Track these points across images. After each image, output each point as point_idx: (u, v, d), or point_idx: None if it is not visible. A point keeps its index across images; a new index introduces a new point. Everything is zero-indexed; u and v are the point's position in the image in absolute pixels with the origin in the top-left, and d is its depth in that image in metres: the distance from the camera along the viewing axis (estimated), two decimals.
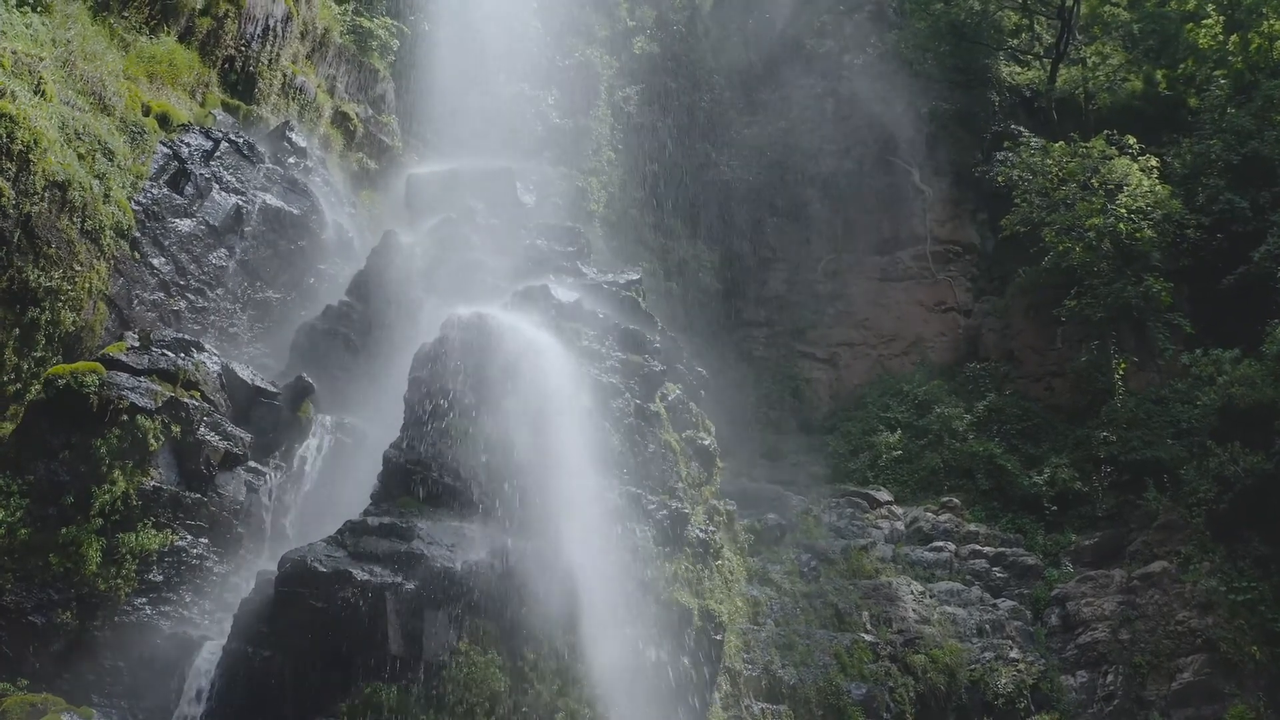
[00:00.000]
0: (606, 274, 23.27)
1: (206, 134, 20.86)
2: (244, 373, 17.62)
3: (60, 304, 16.33)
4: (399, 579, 13.75)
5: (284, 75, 24.45)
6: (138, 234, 18.30)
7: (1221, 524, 24.11)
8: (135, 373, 15.81)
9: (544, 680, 14.46)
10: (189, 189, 19.75)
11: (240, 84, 23.30)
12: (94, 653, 14.00)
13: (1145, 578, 24.15)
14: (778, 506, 27.19)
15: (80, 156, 17.28)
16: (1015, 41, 45.00)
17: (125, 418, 15.16)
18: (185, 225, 19.42)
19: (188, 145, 20.20)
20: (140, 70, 20.35)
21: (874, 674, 21.60)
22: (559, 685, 14.61)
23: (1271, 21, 37.10)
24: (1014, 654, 23.08)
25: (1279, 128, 33.73)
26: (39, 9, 18.19)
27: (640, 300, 22.81)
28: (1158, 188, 32.57)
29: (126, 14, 20.69)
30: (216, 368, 17.15)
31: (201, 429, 15.94)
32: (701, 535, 20.00)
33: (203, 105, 21.91)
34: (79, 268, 16.71)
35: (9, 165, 15.68)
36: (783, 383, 37.07)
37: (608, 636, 15.76)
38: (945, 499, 29.35)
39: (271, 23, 23.86)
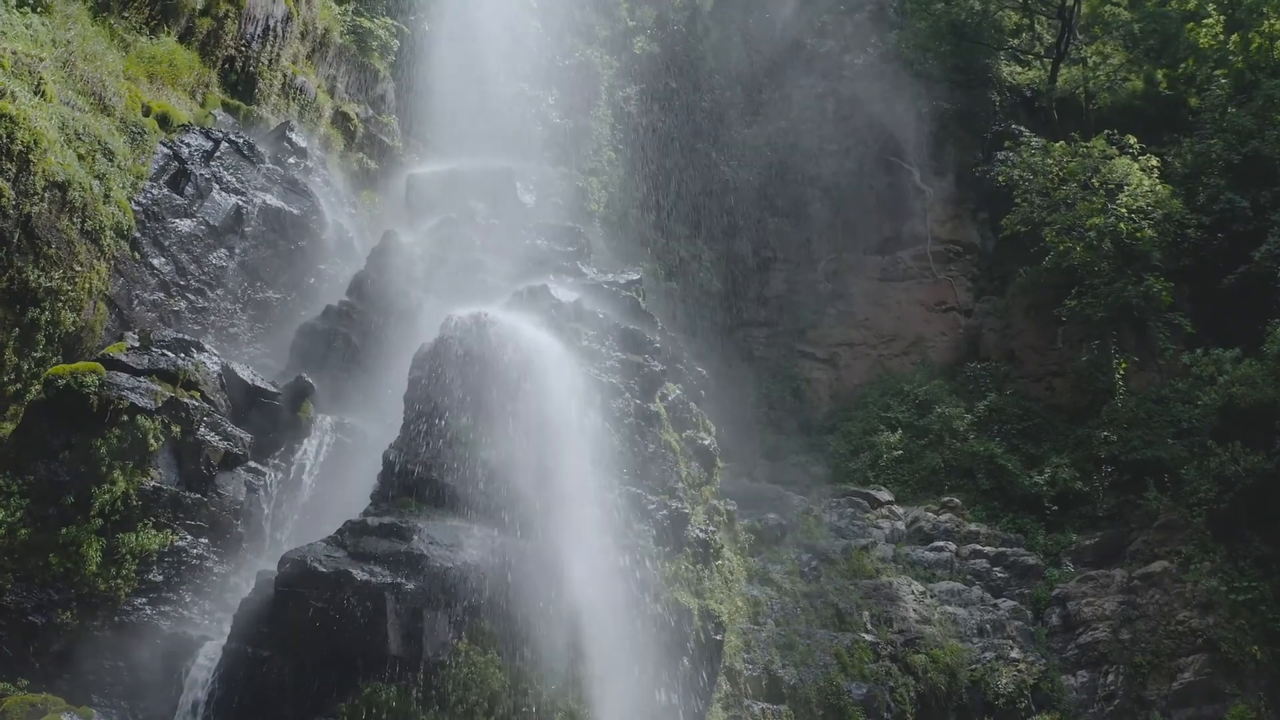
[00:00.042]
0: (606, 274, 23.28)
1: (207, 134, 20.87)
2: (244, 373, 17.63)
3: (60, 304, 16.34)
4: (399, 579, 13.74)
5: (284, 75, 24.46)
6: (138, 234, 18.30)
7: (1222, 524, 24.10)
8: (135, 373, 15.82)
9: (544, 680, 14.45)
10: (189, 189, 19.75)
11: (240, 84, 23.31)
12: (94, 653, 13.99)
13: (1146, 577, 24.14)
14: (778, 506, 27.18)
15: (80, 157, 17.29)
16: (1016, 41, 44.99)
17: (125, 418, 15.16)
18: (185, 225, 19.42)
19: (188, 145, 20.21)
20: (140, 70, 20.36)
21: (874, 674, 21.59)
22: (559, 685, 14.62)
23: (1272, 21, 37.06)
24: (1015, 654, 23.08)
25: (1279, 127, 33.70)
26: (39, 9, 18.20)
27: (640, 300, 22.81)
28: (1158, 187, 32.55)
29: (127, 14, 20.70)
30: (216, 368, 17.16)
31: (201, 429, 15.95)
32: (701, 535, 20.00)
33: (203, 105, 21.92)
34: (79, 268, 16.71)
35: (9, 166, 15.69)
36: (783, 382, 37.06)
37: (609, 635, 15.77)
38: (946, 499, 29.34)
39: (272, 23, 23.87)
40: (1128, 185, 32.55)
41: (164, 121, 19.99)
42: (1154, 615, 23.23)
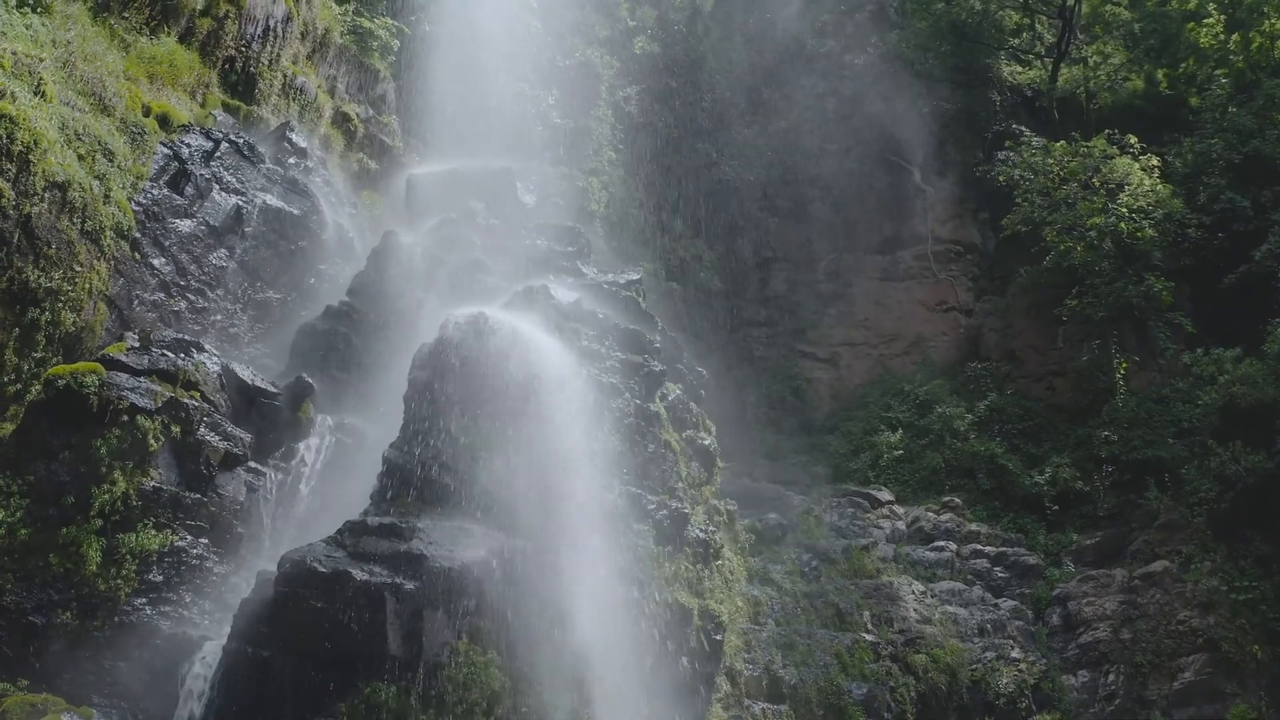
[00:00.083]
0: (607, 274, 23.28)
1: (207, 134, 20.87)
2: (244, 373, 17.64)
3: (60, 304, 16.34)
4: (399, 579, 13.74)
5: (284, 76, 24.46)
6: (138, 234, 18.29)
7: (1223, 523, 24.08)
8: (135, 373, 15.83)
9: (543, 680, 14.46)
10: (189, 189, 19.75)
11: (240, 84, 23.31)
12: (94, 653, 14.01)
13: (1146, 577, 24.12)
14: (779, 506, 27.19)
15: (80, 157, 17.29)
16: (1016, 41, 44.99)
17: (125, 418, 15.18)
18: (185, 226, 19.42)
19: (188, 146, 20.20)
20: (140, 71, 20.36)
21: (875, 674, 21.59)
22: (559, 685, 14.62)
23: (1272, 21, 37.05)
24: (1015, 654, 23.07)
25: (1279, 126, 33.68)
26: (39, 10, 18.20)
27: (640, 300, 22.80)
28: (1159, 187, 32.54)
29: (127, 15, 20.70)
30: (216, 368, 17.16)
31: (201, 429, 15.96)
32: (701, 535, 20.00)
33: (203, 106, 21.92)
34: (79, 268, 16.72)
35: (9, 166, 15.69)
36: (784, 382, 37.07)
37: (608, 636, 15.76)
38: (947, 499, 29.33)
39: (272, 23, 23.87)
40: (1128, 185, 32.54)
41: (164, 122, 19.99)
42: (1155, 615, 23.21)
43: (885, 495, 29.24)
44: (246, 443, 16.64)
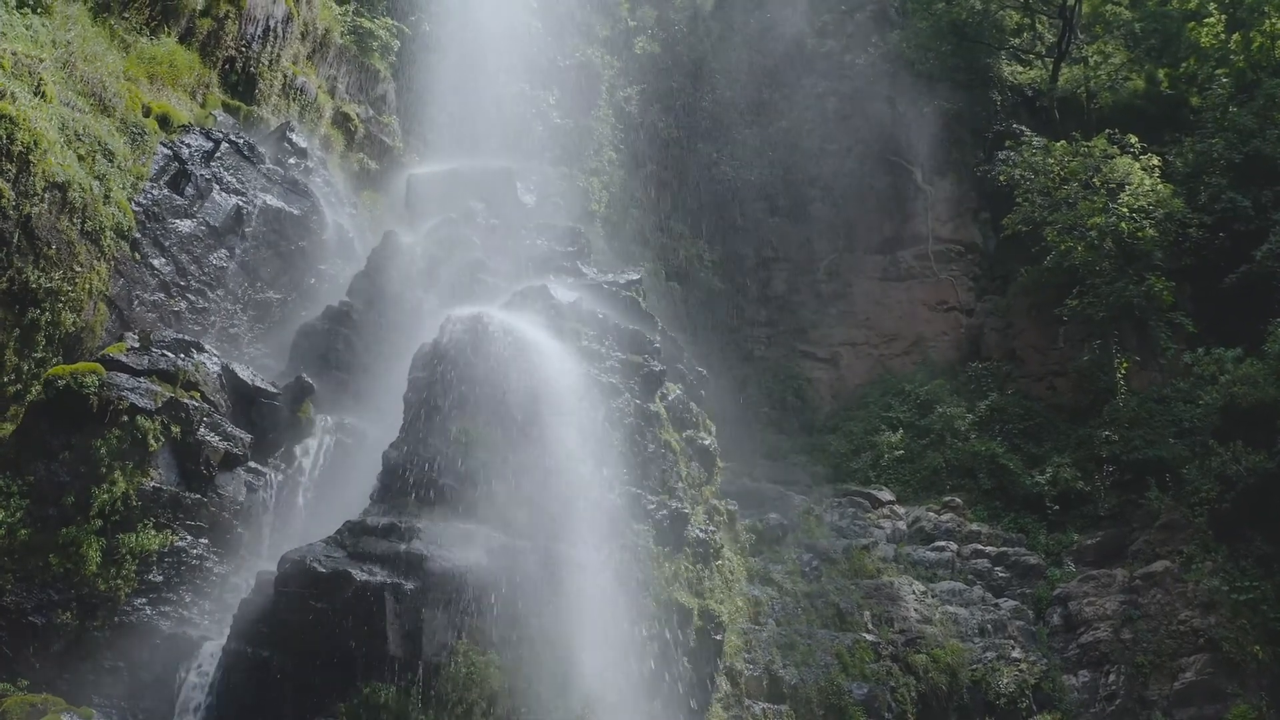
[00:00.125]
0: (607, 274, 23.28)
1: (207, 135, 20.87)
2: (244, 373, 17.64)
3: (60, 305, 16.34)
4: (398, 579, 13.75)
5: (284, 76, 24.47)
6: (138, 235, 18.30)
7: (1224, 523, 24.06)
8: (135, 373, 15.83)
9: (543, 680, 14.46)
10: (189, 190, 19.75)
11: (241, 85, 23.32)
12: (94, 653, 14.03)
13: (1147, 577, 24.10)
14: (779, 506, 27.17)
15: (80, 158, 17.29)
16: (1017, 41, 44.97)
17: (125, 418, 15.18)
18: (186, 226, 19.42)
19: (188, 146, 20.20)
20: (141, 71, 20.37)
21: (876, 674, 21.57)
22: (558, 685, 14.62)
23: (1273, 20, 37.04)
24: (1016, 654, 23.05)
25: None
26: (39, 10, 18.20)
27: (641, 300, 22.80)
28: (1160, 187, 32.52)
29: (127, 15, 20.71)
30: (216, 368, 17.17)
31: (201, 429, 15.96)
32: (701, 535, 19.99)
33: (203, 106, 21.93)
34: (79, 269, 16.72)
35: (9, 166, 15.69)
36: (784, 382, 37.05)
37: (608, 636, 15.76)
38: (947, 498, 29.32)
39: (272, 23, 23.88)
40: (1129, 185, 32.52)
41: (164, 122, 19.99)
42: (1155, 615, 23.19)
43: (886, 495, 29.23)
44: (246, 443, 16.64)
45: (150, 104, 19.93)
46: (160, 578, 14.83)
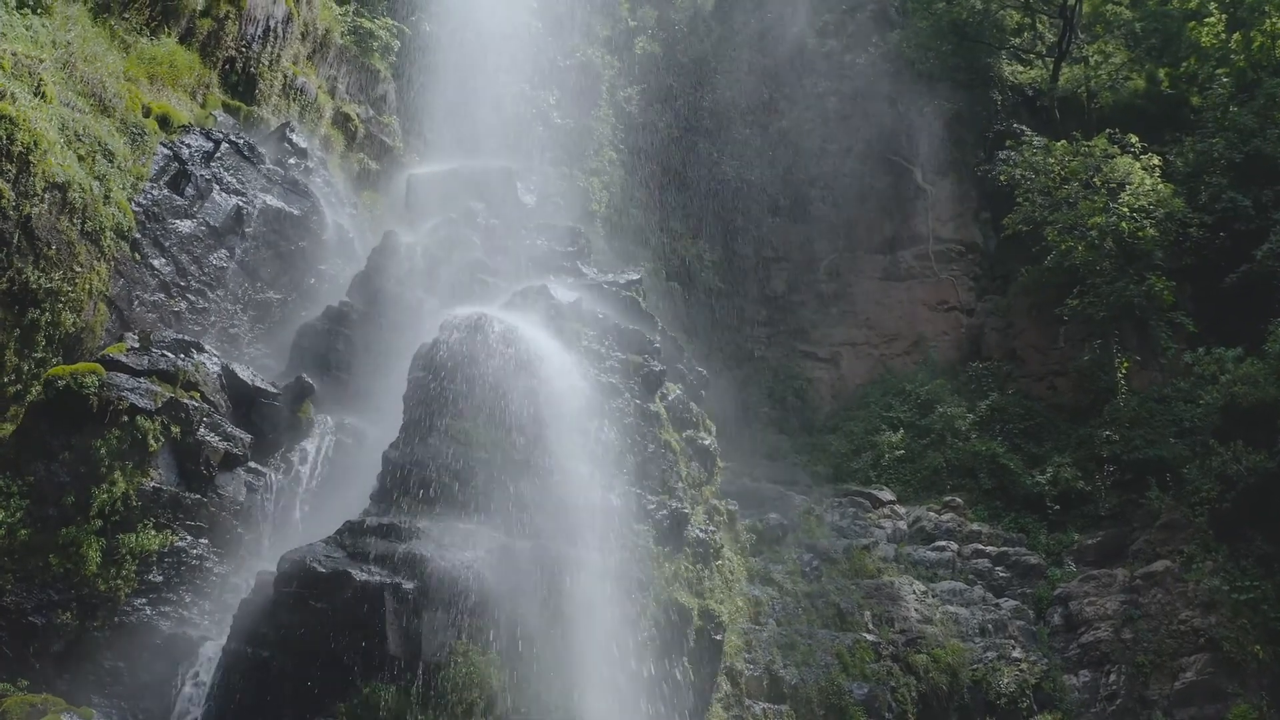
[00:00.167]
0: (607, 274, 23.28)
1: (207, 135, 20.87)
2: (244, 373, 17.64)
3: (60, 305, 16.36)
4: (398, 579, 13.75)
5: (285, 76, 24.47)
6: (138, 235, 18.31)
7: (1224, 523, 24.05)
8: (135, 374, 15.83)
9: (543, 680, 14.45)
10: (189, 190, 19.75)
11: (241, 85, 23.32)
12: (94, 653, 14.03)
13: (1148, 577, 24.09)
14: (780, 506, 27.16)
15: (80, 158, 17.30)
16: (1017, 40, 44.95)
17: (125, 418, 15.18)
18: (186, 226, 19.43)
19: (188, 146, 20.21)
20: (141, 72, 20.38)
21: (876, 674, 21.57)
22: (558, 685, 14.61)
23: (1273, 20, 36.99)
24: (1016, 653, 23.05)
25: None
26: (39, 11, 18.21)
27: (641, 300, 22.81)
28: (1160, 186, 32.50)
29: (127, 16, 20.72)
30: (216, 368, 17.17)
31: (201, 430, 15.96)
32: (701, 535, 19.99)
33: (203, 106, 21.93)
34: (79, 269, 16.73)
35: (9, 167, 15.70)
36: (785, 382, 37.04)
37: (607, 636, 15.75)
38: (948, 498, 29.31)
39: (272, 24, 23.88)
40: (1129, 184, 32.51)
41: (164, 122, 20.00)
42: (1156, 615, 23.19)
43: (886, 495, 29.22)
44: (246, 443, 16.65)
45: (150, 104, 19.93)
46: (160, 578, 14.84)
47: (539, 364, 17.40)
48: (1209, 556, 23.78)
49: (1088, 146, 33.96)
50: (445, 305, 19.27)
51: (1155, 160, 33.55)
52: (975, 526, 27.93)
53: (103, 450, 14.83)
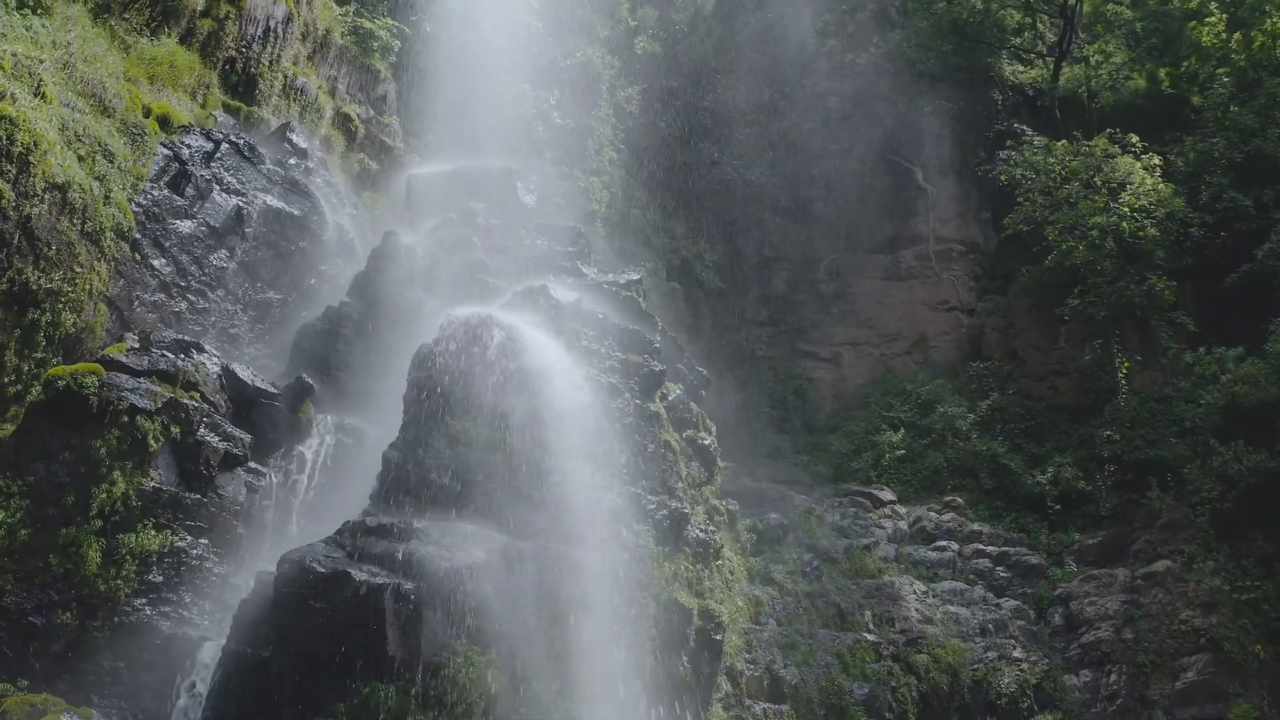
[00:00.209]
0: (607, 274, 23.27)
1: (207, 135, 20.88)
2: (244, 373, 17.64)
3: (61, 305, 16.37)
4: (398, 579, 13.74)
5: (285, 76, 24.48)
6: (138, 235, 18.32)
7: (1225, 523, 24.03)
8: (135, 374, 15.84)
9: (543, 680, 14.45)
10: (189, 190, 19.76)
11: (241, 85, 23.33)
12: (94, 653, 14.04)
13: (1149, 577, 24.07)
14: (780, 506, 27.14)
15: (80, 158, 17.31)
16: (1018, 40, 44.93)
17: (125, 419, 15.19)
18: (186, 226, 19.44)
19: (188, 147, 20.21)
20: (141, 72, 20.39)
21: (876, 674, 21.55)
22: (558, 686, 14.61)
23: (1274, 19, 36.95)
24: (1017, 653, 23.02)
25: None
26: (39, 11, 18.22)
27: (641, 300, 22.80)
28: (1161, 186, 32.48)
29: (127, 16, 20.73)
30: (216, 369, 17.17)
31: (201, 430, 15.96)
32: (701, 535, 19.98)
33: (203, 107, 21.94)
34: (79, 269, 16.74)
35: (9, 167, 15.71)
36: (785, 382, 37.04)
37: (607, 637, 15.75)
38: (948, 498, 29.29)
39: (272, 24, 23.89)
40: (1130, 184, 32.48)
41: (164, 123, 20.00)
42: (1157, 615, 23.16)
43: (887, 495, 29.21)
44: (246, 443, 16.65)
45: (150, 105, 19.94)
46: (160, 578, 14.84)
47: (539, 364, 17.40)
48: (1210, 556, 23.76)
49: (1088, 146, 33.94)
50: (445, 305, 19.26)
51: (1156, 160, 33.52)
52: (976, 526, 27.92)
53: (103, 450, 14.84)
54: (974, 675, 22.23)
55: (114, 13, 20.41)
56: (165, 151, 19.61)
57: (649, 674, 16.51)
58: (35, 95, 16.72)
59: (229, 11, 22.78)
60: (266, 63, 23.75)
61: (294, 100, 24.69)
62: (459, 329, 17.29)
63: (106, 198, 17.54)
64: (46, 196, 16.23)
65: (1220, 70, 37.32)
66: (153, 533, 14.89)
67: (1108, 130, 34.80)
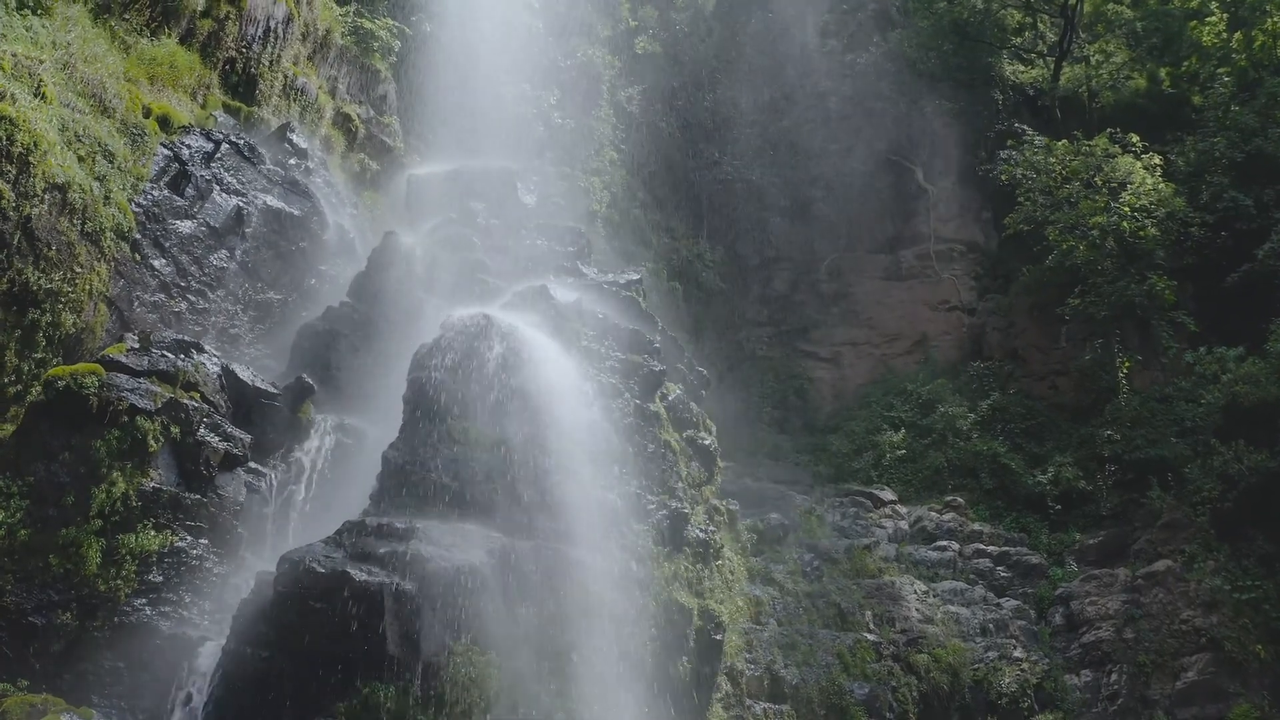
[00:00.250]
0: (607, 274, 23.27)
1: (207, 135, 20.87)
2: (244, 374, 17.63)
3: (61, 306, 16.36)
4: (397, 579, 13.72)
5: (285, 77, 24.48)
6: (138, 236, 18.30)
7: (1226, 522, 24.02)
8: (135, 374, 15.82)
9: (542, 680, 14.45)
10: (190, 190, 19.75)
11: (241, 85, 23.32)
12: (94, 653, 14.01)
13: (1149, 576, 24.07)
14: (781, 506, 27.14)
15: (80, 159, 17.31)
16: (1019, 40, 44.94)
17: (125, 419, 15.16)
18: (186, 227, 19.44)
19: (188, 147, 20.20)
20: (141, 72, 20.39)
21: (877, 673, 21.55)
22: (558, 686, 14.61)
23: (1275, 19, 36.93)
24: (1018, 653, 23.02)
25: None
26: (39, 12, 18.22)
27: (641, 300, 22.80)
28: (1161, 186, 32.47)
29: (127, 16, 20.72)
30: (216, 369, 17.16)
31: (201, 430, 15.94)
32: (701, 535, 19.97)
33: (204, 107, 21.94)
34: (79, 269, 16.74)
35: (9, 168, 15.71)
36: (786, 382, 37.05)
37: (607, 637, 15.75)
38: (949, 498, 29.29)
39: (272, 24, 23.89)
40: (1131, 184, 32.47)
41: (164, 123, 19.99)
42: (1158, 614, 23.16)
43: (888, 495, 29.21)
44: (246, 443, 16.63)
45: (150, 105, 19.94)
46: (160, 578, 14.83)
47: (539, 364, 17.40)
48: (1210, 556, 23.75)
49: (1089, 146, 33.93)
50: (445, 305, 19.26)
51: (1156, 159, 33.52)
52: (976, 526, 27.92)
53: (103, 450, 14.82)
54: (975, 675, 22.24)
55: (114, 13, 20.41)
56: (165, 152, 19.61)
57: (649, 674, 16.51)
58: (35, 96, 16.72)
59: (229, 12, 22.78)
60: (267, 63, 23.75)
61: (294, 100, 24.69)
62: (459, 329, 17.30)
63: (106, 198, 17.54)
64: (46, 197, 16.23)
65: (1221, 70, 37.30)
66: (153, 533, 14.87)
67: (1108, 130, 34.79)
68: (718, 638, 18.30)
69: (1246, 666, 21.63)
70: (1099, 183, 33.05)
